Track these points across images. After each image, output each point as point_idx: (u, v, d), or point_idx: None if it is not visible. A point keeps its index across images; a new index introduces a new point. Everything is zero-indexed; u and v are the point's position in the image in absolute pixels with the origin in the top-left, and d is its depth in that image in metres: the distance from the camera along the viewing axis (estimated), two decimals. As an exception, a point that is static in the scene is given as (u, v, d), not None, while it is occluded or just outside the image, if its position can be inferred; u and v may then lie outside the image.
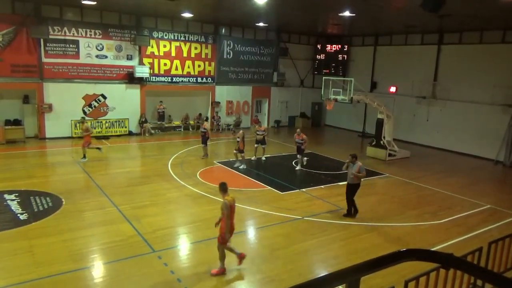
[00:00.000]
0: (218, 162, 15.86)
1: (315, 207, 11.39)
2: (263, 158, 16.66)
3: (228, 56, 23.68)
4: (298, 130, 15.62)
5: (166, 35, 21.35)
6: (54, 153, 16.74)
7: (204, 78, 23.12)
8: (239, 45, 23.96)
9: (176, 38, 21.66)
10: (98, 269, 7.51)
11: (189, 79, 22.55)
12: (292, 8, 15.77)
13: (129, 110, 20.88)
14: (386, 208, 11.62)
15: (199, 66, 22.71)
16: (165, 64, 21.60)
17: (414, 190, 13.68)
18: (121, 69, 20.36)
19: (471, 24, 17.50)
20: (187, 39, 22.01)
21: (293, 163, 15.54)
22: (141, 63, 20.72)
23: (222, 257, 7.32)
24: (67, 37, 18.59)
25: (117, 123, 20.69)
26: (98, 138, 19.72)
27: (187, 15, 19.37)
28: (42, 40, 17.96)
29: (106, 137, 19.97)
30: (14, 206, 10.26)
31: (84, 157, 15.18)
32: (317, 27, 23.11)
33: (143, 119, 21.25)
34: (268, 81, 25.64)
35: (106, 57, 19.81)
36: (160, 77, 21.54)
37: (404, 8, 14.76)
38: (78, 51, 18.99)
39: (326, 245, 9.04)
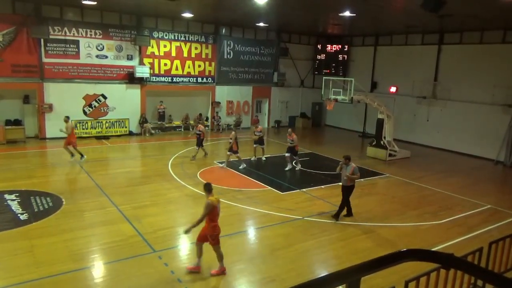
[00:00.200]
0: (218, 162, 15.85)
1: (315, 207, 11.38)
2: (263, 158, 16.66)
3: (228, 56, 23.69)
4: (289, 130, 15.56)
5: (166, 35, 21.36)
6: (55, 153, 16.72)
7: (205, 78, 23.12)
8: (240, 45, 23.96)
9: (176, 38, 21.67)
10: (98, 269, 7.51)
11: (189, 79, 22.55)
12: (293, 8, 15.77)
13: (130, 110, 20.89)
14: (386, 208, 11.61)
15: (199, 66, 22.72)
16: (165, 64, 21.60)
17: (414, 190, 13.67)
18: (122, 69, 20.37)
19: (472, 24, 17.49)
20: (187, 39, 22.01)
21: (293, 163, 15.52)
22: (141, 63, 20.73)
23: (220, 257, 7.30)
24: (67, 37, 18.60)
25: (118, 123, 20.69)
26: (98, 138, 19.76)
27: (187, 15, 19.37)
28: (42, 40, 17.97)
29: (106, 137, 19.97)
30: (15, 206, 10.26)
31: (82, 155, 15.00)
32: (318, 27, 23.10)
33: (144, 119, 21.26)
34: (269, 81, 25.64)
35: (107, 57, 19.82)
36: (161, 77, 21.54)
37: (405, 8, 14.76)
38: (79, 51, 19.00)
39: (326, 245, 9.04)
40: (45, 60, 18.27)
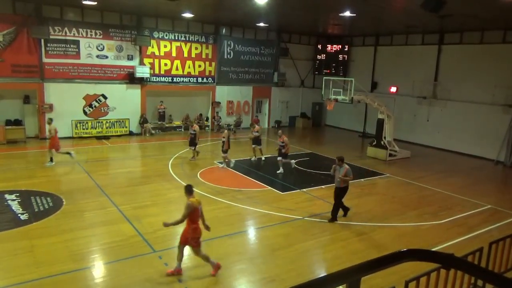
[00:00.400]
0: (218, 162, 15.86)
1: (315, 207, 11.38)
2: (263, 158, 16.65)
3: (228, 56, 23.69)
4: (279, 132, 15.48)
5: (166, 35, 21.36)
6: (55, 153, 16.71)
7: (205, 78, 23.12)
8: (240, 45, 23.96)
9: (176, 38, 21.67)
10: (98, 269, 7.51)
11: (189, 79, 22.55)
12: (293, 8, 15.77)
13: (130, 110, 20.89)
14: (386, 208, 11.61)
15: (199, 66, 22.72)
16: (165, 64, 21.61)
17: (414, 190, 13.67)
18: (122, 69, 20.37)
19: (472, 24, 17.49)
20: (187, 39, 22.02)
21: (279, 165, 15.41)
22: (141, 63, 20.73)
23: (206, 258, 7.18)
24: (67, 37, 18.60)
25: (118, 123, 20.69)
26: (98, 138, 19.76)
27: (187, 15, 19.38)
28: (42, 40, 17.98)
29: (106, 137, 19.98)
30: (15, 206, 10.26)
31: (52, 160, 14.43)
32: (318, 27, 23.11)
33: (144, 119, 21.27)
34: (269, 81, 25.64)
35: (107, 57, 19.83)
36: (161, 77, 21.54)
37: (405, 8, 14.76)
38: (79, 51, 19.00)
39: (326, 245, 9.05)
40: (45, 60, 18.27)
